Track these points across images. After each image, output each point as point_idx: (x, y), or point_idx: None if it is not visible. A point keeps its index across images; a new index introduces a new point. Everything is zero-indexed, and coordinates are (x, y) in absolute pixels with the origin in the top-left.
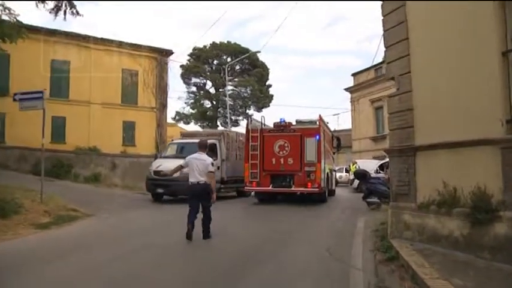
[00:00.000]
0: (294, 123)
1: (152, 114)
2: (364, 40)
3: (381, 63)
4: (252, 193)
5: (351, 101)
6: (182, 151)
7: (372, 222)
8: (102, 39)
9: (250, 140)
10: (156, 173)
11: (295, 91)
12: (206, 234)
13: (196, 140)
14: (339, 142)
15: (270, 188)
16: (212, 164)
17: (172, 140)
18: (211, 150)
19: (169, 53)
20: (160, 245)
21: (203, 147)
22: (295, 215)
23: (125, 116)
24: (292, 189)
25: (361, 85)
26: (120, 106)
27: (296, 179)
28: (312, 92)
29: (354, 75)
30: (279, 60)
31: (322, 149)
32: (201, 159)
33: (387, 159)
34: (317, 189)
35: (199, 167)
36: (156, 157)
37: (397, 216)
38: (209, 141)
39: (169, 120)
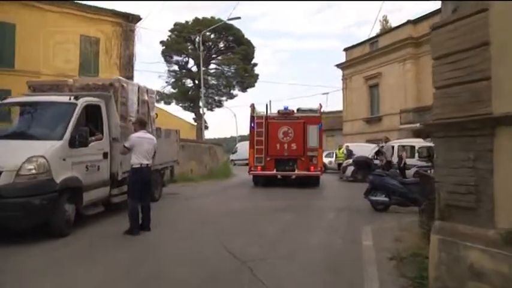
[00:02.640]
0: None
1: None
2: (353, 25)
3: (376, 36)
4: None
5: (342, 79)
6: (32, 120)
7: (385, 236)
8: None
9: (255, 126)
10: None
11: (284, 74)
12: (148, 224)
13: (64, 99)
14: None
15: (274, 171)
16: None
17: (6, 98)
18: (90, 120)
19: (136, 18)
20: None
21: (144, 124)
22: (274, 222)
23: None
24: (296, 172)
25: (354, 60)
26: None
27: (299, 163)
28: (300, 74)
29: (346, 50)
30: (267, 44)
31: (323, 136)
32: (148, 137)
33: (386, 143)
34: (319, 173)
35: (148, 146)
36: None
37: (450, 249)
38: (83, 99)
39: None
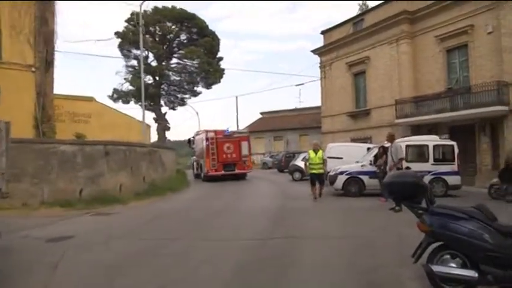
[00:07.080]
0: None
1: (29, 76)
2: (322, 26)
3: (360, 14)
4: None
5: (320, 67)
6: None
7: None
8: None
9: (210, 144)
10: None
11: (250, 75)
12: None
13: None
14: None
15: (223, 172)
16: None
17: None
18: None
19: None
20: None
21: None
22: None
23: None
24: (235, 171)
25: (334, 44)
26: None
27: (237, 165)
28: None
29: (323, 33)
30: (235, 45)
31: (251, 147)
32: None
33: (393, 142)
34: (250, 169)
35: None
36: None
37: None
38: None
39: (103, 99)
